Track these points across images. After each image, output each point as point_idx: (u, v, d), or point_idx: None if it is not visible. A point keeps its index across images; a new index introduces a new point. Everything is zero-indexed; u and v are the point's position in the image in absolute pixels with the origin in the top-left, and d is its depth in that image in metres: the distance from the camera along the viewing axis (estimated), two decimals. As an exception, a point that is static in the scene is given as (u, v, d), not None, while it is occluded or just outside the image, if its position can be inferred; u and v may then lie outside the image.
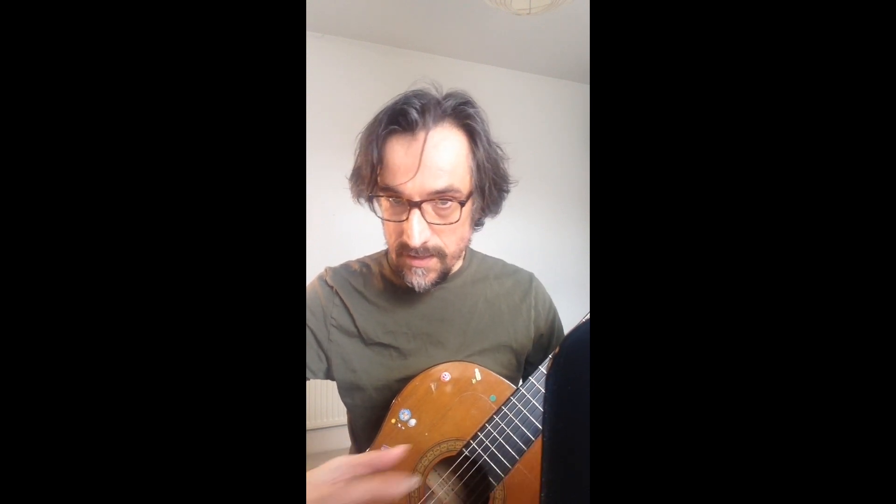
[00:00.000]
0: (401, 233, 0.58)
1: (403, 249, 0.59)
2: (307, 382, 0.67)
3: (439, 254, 0.60)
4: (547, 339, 0.73)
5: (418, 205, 0.56)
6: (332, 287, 0.68)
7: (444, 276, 0.63)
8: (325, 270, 0.71)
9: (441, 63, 2.57)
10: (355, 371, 0.66)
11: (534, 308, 0.71)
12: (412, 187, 0.55)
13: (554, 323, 0.74)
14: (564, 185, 2.88)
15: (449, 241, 0.60)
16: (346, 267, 0.72)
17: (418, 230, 0.56)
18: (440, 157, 0.56)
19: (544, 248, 2.79)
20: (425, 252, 0.59)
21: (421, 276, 0.60)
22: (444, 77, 0.63)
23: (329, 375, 0.68)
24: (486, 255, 0.76)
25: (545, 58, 2.61)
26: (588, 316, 0.56)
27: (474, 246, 0.75)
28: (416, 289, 0.61)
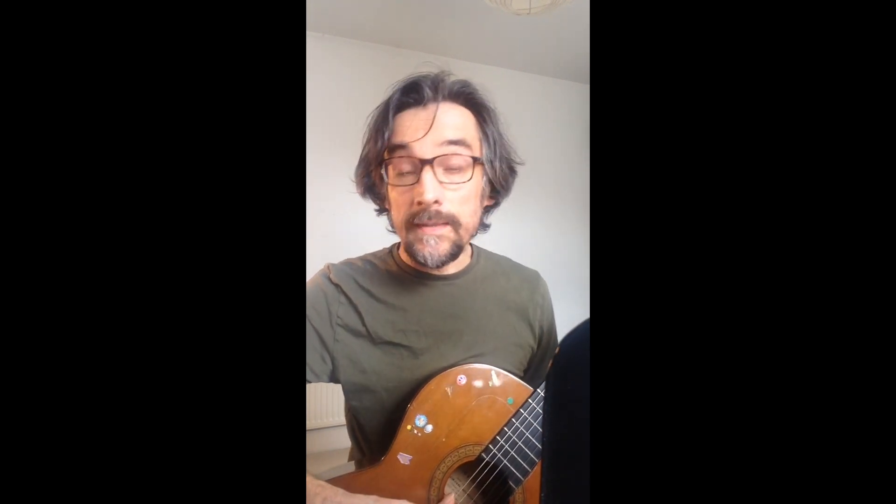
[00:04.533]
0: (411, 202, 0.59)
1: (414, 218, 0.59)
2: (309, 384, 0.65)
3: (453, 221, 0.59)
4: (547, 338, 0.73)
5: (430, 162, 0.57)
6: (336, 284, 0.66)
7: (456, 252, 0.61)
8: (327, 267, 0.69)
9: (441, 63, 2.56)
10: (365, 372, 0.63)
11: (539, 306, 0.71)
12: (423, 144, 0.57)
13: (552, 323, 0.75)
14: (564, 185, 2.87)
15: (462, 211, 0.60)
16: (348, 264, 0.69)
17: (431, 185, 0.56)
18: (450, 119, 0.59)
19: (544, 248, 2.79)
20: (438, 217, 0.58)
21: (433, 245, 0.59)
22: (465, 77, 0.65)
23: (334, 378, 0.65)
24: (492, 253, 0.75)
25: (545, 58, 2.61)
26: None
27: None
28: (429, 262, 0.60)
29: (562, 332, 0.77)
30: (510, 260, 0.76)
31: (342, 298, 0.65)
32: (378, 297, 0.66)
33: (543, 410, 0.52)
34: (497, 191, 0.67)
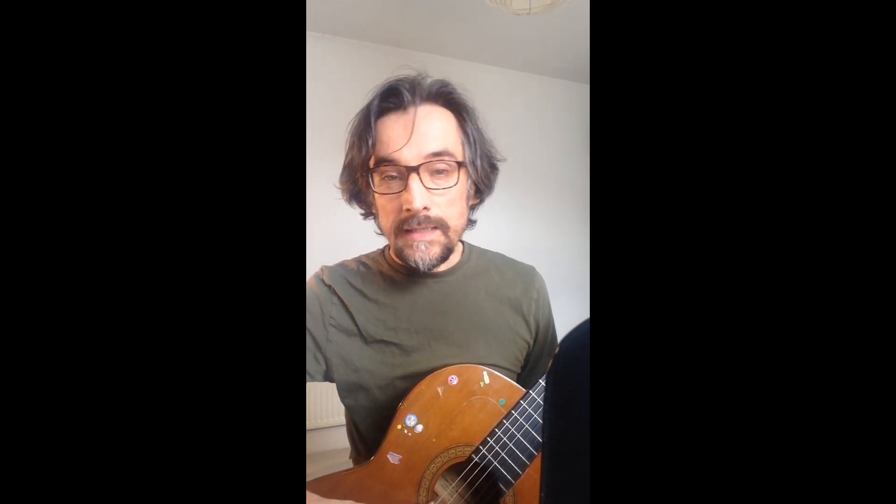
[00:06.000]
0: (399, 208, 0.59)
1: (403, 224, 0.60)
2: (308, 385, 0.66)
3: (442, 225, 0.60)
4: (544, 333, 0.72)
5: (416, 169, 0.57)
6: (329, 286, 0.67)
7: (446, 254, 0.63)
8: (321, 269, 0.70)
9: (441, 63, 2.56)
10: (357, 370, 0.64)
11: (534, 301, 0.71)
12: (408, 153, 0.57)
13: (550, 319, 0.74)
14: (564, 185, 2.87)
15: (450, 214, 0.61)
16: (342, 266, 0.71)
17: (419, 193, 0.57)
18: (432, 125, 0.59)
19: (544, 248, 2.78)
20: (427, 222, 0.59)
21: (424, 250, 0.60)
22: (443, 77, 0.64)
23: (328, 377, 0.66)
24: (485, 250, 0.75)
25: (545, 58, 2.61)
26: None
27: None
28: (421, 266, 0.61)
29: (562, 331, 0.77)
30: (504, 256, 0.76)
31: (335, 299, 0.67)
32: (369, 296, 0.67)
33: (543, 410, 0.51)
34: (481, 189, 0.67)
